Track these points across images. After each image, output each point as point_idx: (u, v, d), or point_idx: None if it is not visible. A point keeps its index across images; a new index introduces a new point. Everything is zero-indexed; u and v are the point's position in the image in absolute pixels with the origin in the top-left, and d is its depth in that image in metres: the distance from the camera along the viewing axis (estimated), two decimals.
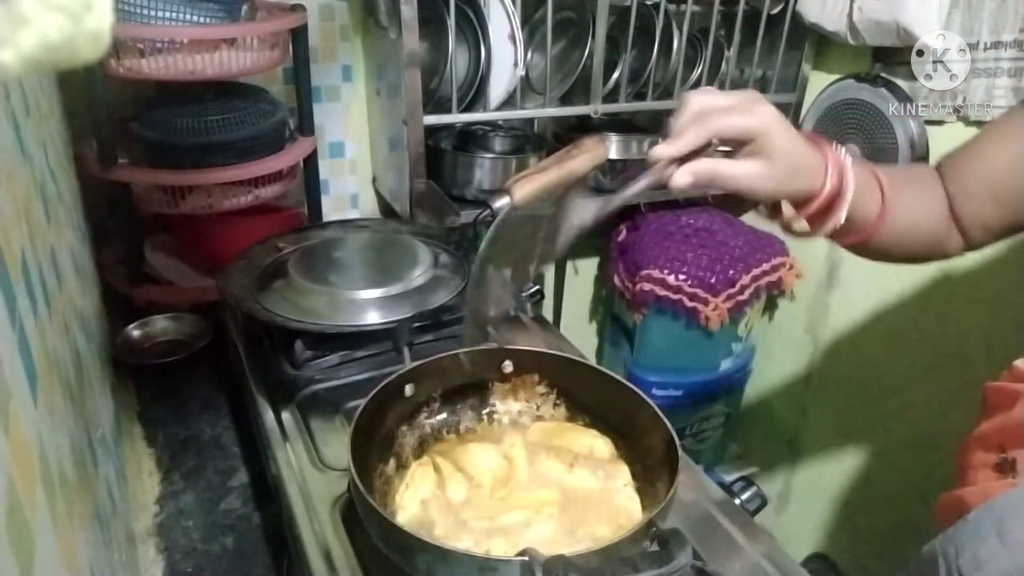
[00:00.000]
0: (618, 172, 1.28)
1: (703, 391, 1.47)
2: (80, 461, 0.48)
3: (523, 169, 1.02)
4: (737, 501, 0.67)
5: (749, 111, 0.54)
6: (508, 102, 1.18)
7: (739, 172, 0.55)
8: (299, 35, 1.04)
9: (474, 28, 1.14)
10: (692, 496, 0.66)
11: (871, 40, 1.12)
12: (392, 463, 0.66)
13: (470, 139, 1.27)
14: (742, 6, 1.24)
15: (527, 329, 0.92)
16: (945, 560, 0.54)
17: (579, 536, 0.58)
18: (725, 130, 0.54)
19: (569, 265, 1.44)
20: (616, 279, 1.42)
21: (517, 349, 0.73)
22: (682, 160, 0.55)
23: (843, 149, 0.60)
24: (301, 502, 0.64)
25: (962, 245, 0.70)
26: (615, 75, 1.27)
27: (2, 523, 0.25)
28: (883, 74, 1.19)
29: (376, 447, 0.64)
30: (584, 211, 0.58)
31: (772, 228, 1.44)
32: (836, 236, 0.64)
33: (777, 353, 1.55)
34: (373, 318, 0.83)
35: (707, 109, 0.54)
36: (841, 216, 0.60)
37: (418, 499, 0.61)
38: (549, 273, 1.49)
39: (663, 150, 0.54)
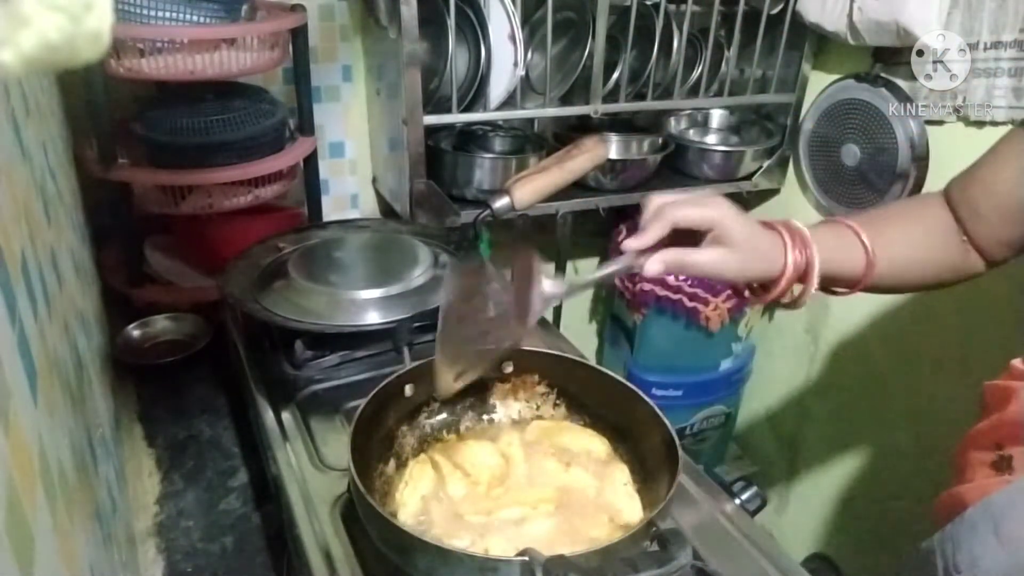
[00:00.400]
0: (618, 172, 1.28)
1: (703, 391, 1.47)
2: (80, 461, 0.48)
3: (523, 169, 1.02)
4: (737, 501, 0.67)
5: (703, 203, 0.60)
6: (508, 102, 1.18)
7: (702, 259, 0.59)
8: (299, 35, 1.04)
9: (474, 28, 1.14)
10: (692, 496, 0.66)
11: (871, 40, 1.12)
12: (392, 463, 0.66)
13: (470, 139, 1.27)
14: (742, 6, 1.23)
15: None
16: (942, 557, 0.55)
17: (575, 534, 0.58)
18: (682, 220, 0.59)
19: (569, 265, 1.44)
20: (616, 279, 1.42)
21: (517, 349, 0.73)
22: (652, 249, 0.60)
23: (803, 230, 0.64)
24: (301, 502, 0.64)
25: (983, 264, 0.72)
26: (615, 75, 1.27)
27: (2, 523, 0.25)
28: (883, 74, 1.19)
29: (376, 447, 0.64)
30: (554, 288, 0.62)
31: None
32: (832, 291, 0.68)
33: (777, 353, 1.55)
34: (373, 318, 0.83)
35: (665, 205, 0.60)
36: (811, 287, 0.63)
37: (418, 496, 0.61)
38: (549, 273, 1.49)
39: (632, 243, 0.60)
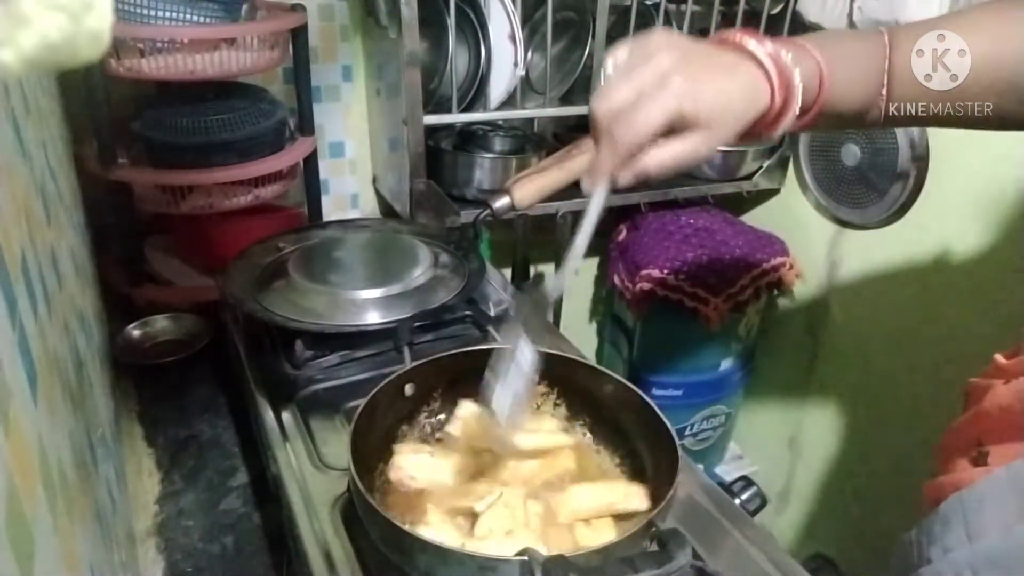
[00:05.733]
0: None
1: (703, 391, 1.47)
2: (80, 461, 0.48)
3: (523, 169, 1.02)
4: (737, 501, 0.67)
5: (655, 99, 0.48)
6: (508, 102, 1.18)
7: (679, 153, 0.50)
8: (299, 35, 1.04)
9: (474, 28, 1.14)
10: (692, 496, 0.66)
11: None
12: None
13: (470, 139, 1.27)
14: (742, 6, 1.24)
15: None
16: (918, 548, 0.56)
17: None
18: (636, 140, 0.49)
19: None
20: (616, 279, 1.42)
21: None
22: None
23: (767, 42, 0.52)
24: (301, 502, 0.64)
25: (880, 117, 0.60)
26: None
27: (2, 523, 0.25)
28: None
29: (376, 447, 0.64)
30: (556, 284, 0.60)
31: (772, 228, 1.44)
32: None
33: (777, 353, 1.55)
34: (373, 318, 0.83)
35: (612, 121, 0.50)
36: (794, 107, 0.53)
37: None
38: (549, 273, 1.49)
39: (589, 186, 0.52)
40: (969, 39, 0.55)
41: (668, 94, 0.48)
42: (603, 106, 0.50)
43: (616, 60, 0.52)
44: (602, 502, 0.60)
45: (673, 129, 0.50)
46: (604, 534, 0.58)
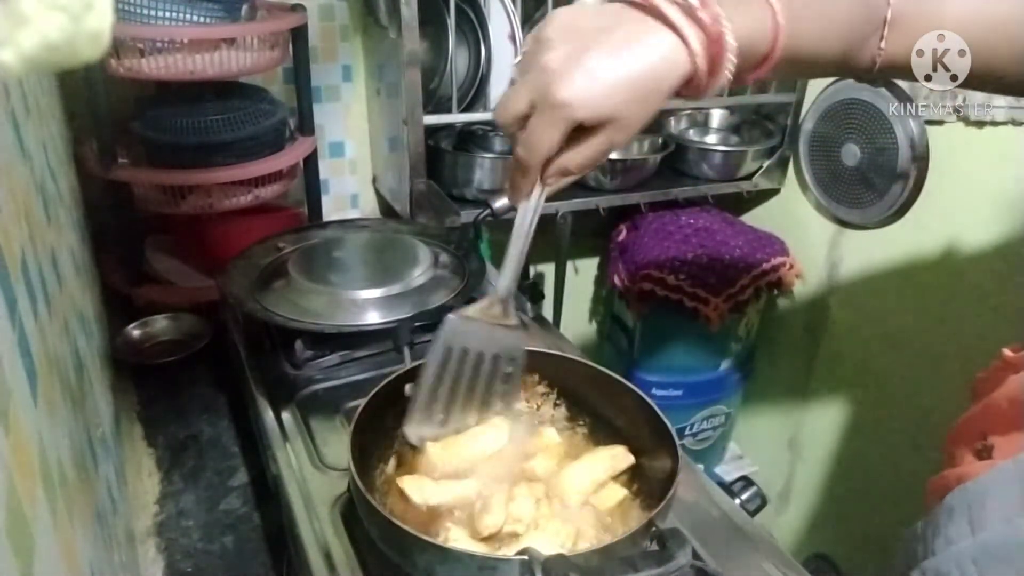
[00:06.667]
0: (618, 172, 1.28)
1: (703, 391, 1.47)
2: (80, 461, 0.48)
3: None
4: (737, 501, 0.67)
5: (546, 116, 0.46)
6: None
7: (594, 151, 0.48)
8: (299, 35, 1.04)
9: (474, 28, 1.14)
10: (692, 496, 0.66)
11: None
12: (392, 463, 0.66)
13: (470, 139, 1.27)
14: None
15: (527, 329, 0.92)
16: (923, 541, 0.56)
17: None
18: (539, 160, 0.48)
19: (569, 265, 1.44)
20: (616, 279, 1.42)
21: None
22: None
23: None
24: (301, 502, 0.64)
25: (869, 67, 0.56)
26: None
27: (2, 523, 0.25)
28: None
29: (376, 447, 0.64)
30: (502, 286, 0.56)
31: (772, 228, 1.44)
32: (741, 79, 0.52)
33: (777, 353, 1.55)
34: (373, 318, 0.83)
35: (514, 135, 0.48)
36: (727, 67, 0.48)
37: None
38: (549, 273, 1.49)
39: (512, 200, 0.51)
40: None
41: (559, 108, 0.46)
42: (501, 116, 0.49)
43: (522, 52, 0.50)
44: (599, 474, 0.61)
45: (583, 126, 0.47)
46: (617, 493, 0.59)
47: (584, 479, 0.60)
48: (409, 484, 0.58)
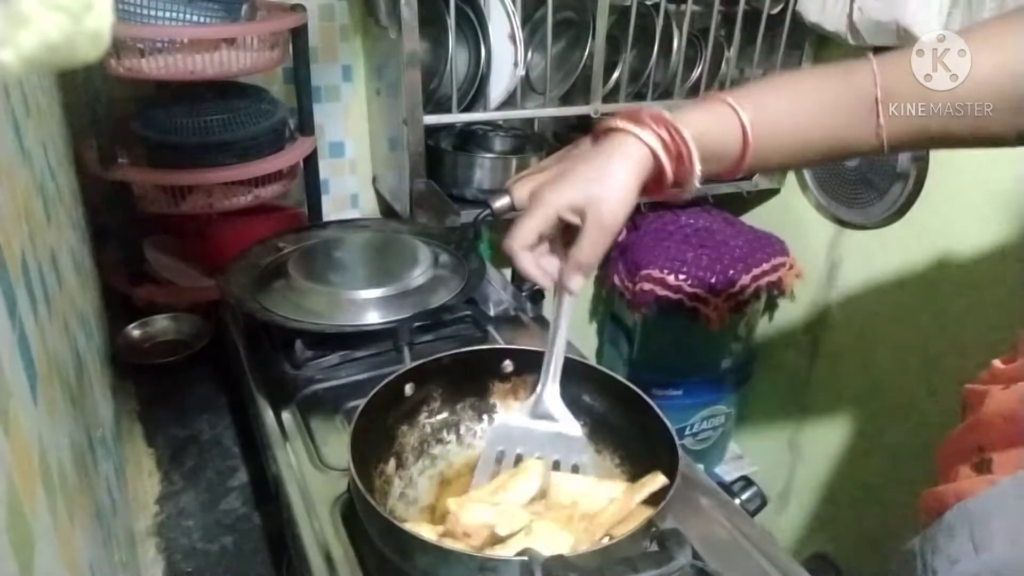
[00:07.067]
0: None
1: (703, 391, 1.47)
2: (80, 461, 0.48)
3: (523, 169, 1.02)
4: (737, 501, 0.67)
5: (532, 209, 0.57)
6: (508, 102, 1.18)
7: (591, 244, 0.56)
8: (299, 35, 1.04)
9: (474, 28, 1.14)
10: (692, 496, 0.66)
11: (871, 40, 1.12)
12: (392, 463, 0.66)
13: (470, 139, 1.27)
14: (742, 6, 1.24)
15: (527, 329, 0.92)
16: (922, 559, 0.56)
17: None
18: (565, 211, 0.57)
19: None
20: (616, 279, 1.42)
21: (517, 349, 0.73)
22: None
23: (645, 115, 0.56)
24: (301, 502, 0.64)
25: (881, 145, 0.59)
26: (615, 75, 1.27)
27: (2, 523, 0.25)
28: None
29: (376, 447, 0.64)
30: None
31: (772, 228, 1.44)
32: (717, 179, 0.62)
33: (777, 353, 1.55)
34: (373, 318, 0.83)
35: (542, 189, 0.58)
36: (694, 165, 0.57)
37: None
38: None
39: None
40: (978, 55, 0.54)
41: (538, 201, 0.57)
42: (532, 181, 0.61)
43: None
44: (624, 509, 0.60)
45: (574, 231, 0.56)
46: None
47: (611, 518, 0.59)
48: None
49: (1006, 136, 0.56)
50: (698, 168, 0.57)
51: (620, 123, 0.57)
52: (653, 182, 0.58)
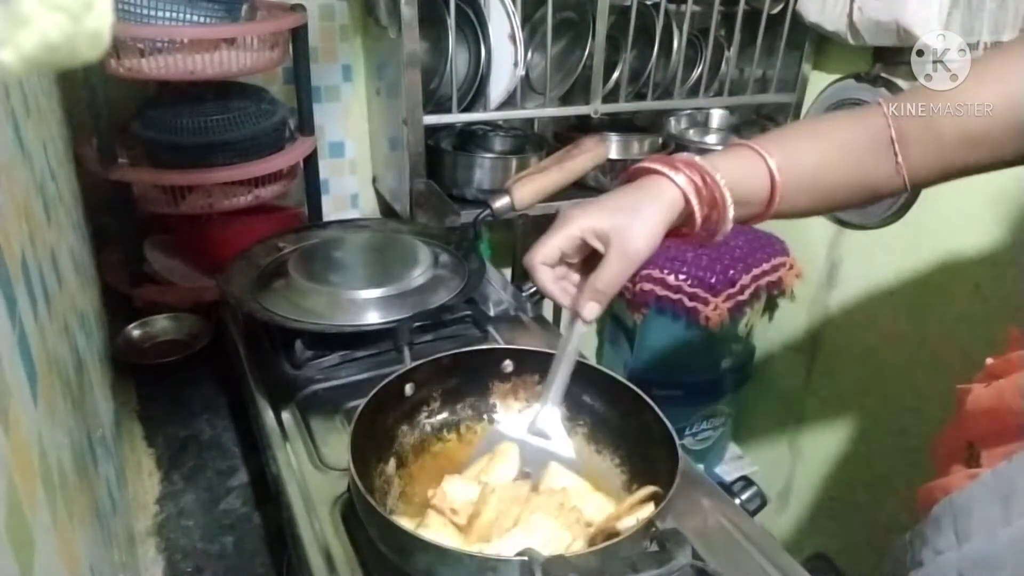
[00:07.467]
0: (618, 172, 1.28)
1: (703, 391, 1.47)
2: (80, 461, 0.48)
3: (523, 169, 1.02)
4: (737, 501, 0.67)
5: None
6: (508, 102, 1.18)
7: (611, 269, 0.57)
8: (299, 35, 1.04)
9: (474, 28, 1.14)
10: (692, 496, 0.66)
11: (871, 40, 1.12)
12: (392, 463, 0.66)
13: (470, 139, 1.27)
14: (742, 6, 1.24)
15: (527, 329, 0.92)
16: (911, 550, 0.58)
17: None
18: (588, 233, 0.58)
19: None
20: None
21: (517, 349, 0.73)
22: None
23: (678, 161, 0.58)
24: (301, 502, 0.64)
25: (904, 184, 0.61)
26: (615, 75, 1.27)
27: (2, 523, 0.25)
28: (883, 74, 1.19)
29: (376, 447, 0.64)
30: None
31: (772, 228, 1.44)
32: (745, 222, 0.63)
33: (777, 353, 1.55)
34: (373, 318, 0.83)
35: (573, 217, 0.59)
36: (727, 205, 0.58)
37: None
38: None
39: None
40: (984, 89, 0.55)
41: (563, 221, 0.58)
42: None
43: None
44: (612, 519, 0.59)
45: (596, 260, 0.57)
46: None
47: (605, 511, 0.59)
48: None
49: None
50: (731, 213, 0.58)
51: (654, 165, 0.58)
52: (682, 225, 0.60)
